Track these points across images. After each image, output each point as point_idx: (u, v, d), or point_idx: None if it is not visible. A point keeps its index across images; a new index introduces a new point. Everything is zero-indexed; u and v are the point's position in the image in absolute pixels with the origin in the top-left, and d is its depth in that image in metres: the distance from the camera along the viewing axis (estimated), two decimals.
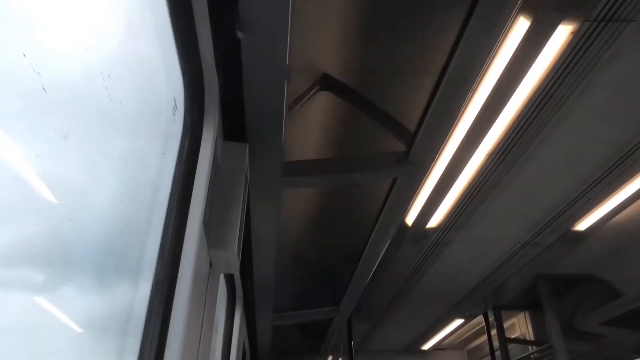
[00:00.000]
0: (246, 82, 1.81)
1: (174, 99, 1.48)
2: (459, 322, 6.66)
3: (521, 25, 2.10)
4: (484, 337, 6.96)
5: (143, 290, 1.33)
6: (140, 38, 1.28)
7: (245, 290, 3.82)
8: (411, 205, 3.52)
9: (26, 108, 0.73)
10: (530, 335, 6.25)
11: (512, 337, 6.44)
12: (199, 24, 1.47)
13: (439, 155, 2.81)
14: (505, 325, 6.39)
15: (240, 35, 1.57)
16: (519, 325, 6.51)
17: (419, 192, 3.31)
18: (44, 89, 0.72)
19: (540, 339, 5.92)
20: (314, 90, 2.53)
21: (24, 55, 0.67)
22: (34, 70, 0.70)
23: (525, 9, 2.06)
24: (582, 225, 4.05)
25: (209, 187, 1.56)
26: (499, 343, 6.18)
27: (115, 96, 1.02)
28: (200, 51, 1.54)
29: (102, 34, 1.04)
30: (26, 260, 0.85)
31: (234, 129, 2.04)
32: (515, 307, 6.35)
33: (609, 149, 3.18)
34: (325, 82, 2.57)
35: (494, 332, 6.43)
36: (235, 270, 1.90)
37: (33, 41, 0.76)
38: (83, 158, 0.98)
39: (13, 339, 0.84)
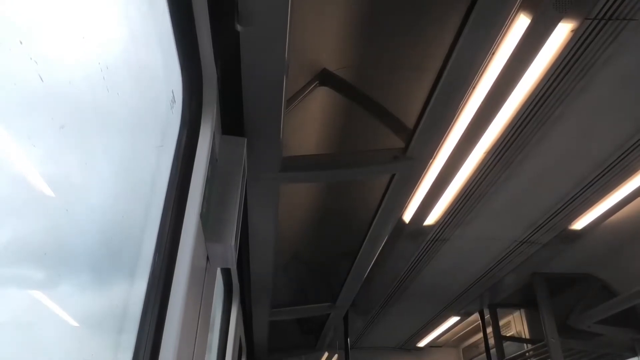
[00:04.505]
0: (245, 76, 1.81)
1: (172, 92, 1.48)
2: (454, 319, 6.68)
3: (521, 23, 2.10)
4: (480, 335, 6.97)
5: (140, 284, 1.32)
6: (139, 29, 1.27)
7: (242, 285, 3.82)
8: (409, 202, 3.52)
9: (23, 96, 0.72)
10: (525, 334, 6.27)
11: (508, 335, 6.46)
12: (198, 17, 1.46)
13: (437, 152, 2.81)
14: (501, 323, 6.41)
15: (239, 28, 1.57)
16: (515, 323, 6.53)
17: (416, 189, 3.31)
18: (41, 78, 0.71)
19: (536, 337, 5.94)
20: (312, 86, 2.52)
21: (21, 43, 0.66)
22: (31, 59, 0.69)
23: (525, 6, 2.06)
24: (579, 224, 4.06)
25: (207, 181, 1.55)
26: (495, 341, 6.20)
27: (112, 87, 1.01)
28: (199, 44, 1.53)
29: (99, 25, 1.03)
30: (22, 253, 0.84)
31: (232, 122, 2.04)
32: (511, 305, 6.36)
33: (607, 148, 3.18)
34: (325, 78, 2.56)
35: (489, 330, 6.45)
36: (232, 265, 1.89)
37: (30, 30, 0.75)
38: (79, 149, 0.98)
39: (10, 335, 0.83)
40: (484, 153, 3.03)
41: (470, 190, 3.54)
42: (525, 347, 6.13)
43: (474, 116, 2.58)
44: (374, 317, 6.44)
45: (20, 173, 0.79)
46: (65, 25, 0.87)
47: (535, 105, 2.75)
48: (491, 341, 6.42)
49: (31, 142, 0.77)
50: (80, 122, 0.96)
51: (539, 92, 2.63)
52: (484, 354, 6.68)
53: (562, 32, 2.18)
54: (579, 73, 2.56)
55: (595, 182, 3.49)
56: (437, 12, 2.26)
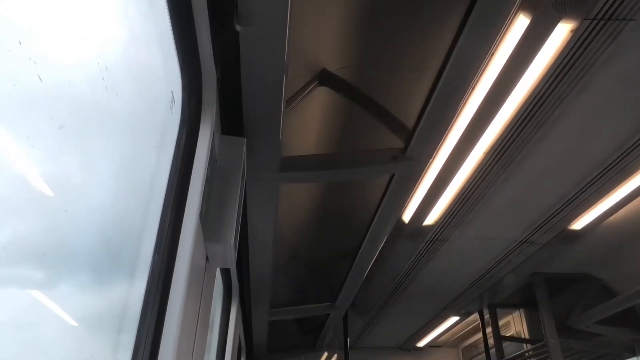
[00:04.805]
0: (244, 76, 1.81)
1: (172, 92, 1.48)
2: (454, 319, 6.67)
3: (521, 23, 2.10)
4: (479, 335, 6.97)
5: (139, 284, 1.32)
6: (138, 30, 1.27)
7: (242, 284, 3.82)
8: (408, 202, 3.52)
9: (22, 97, 0.72)
10: (525, 334, 6.27)
11: (507, 335, 6.46)
12: (198, 17, 1.46)
13: (437, 152, 2.81)
14: (500, 323, 6.41)
15: (239, 28, 1.57)
16: (514, 324, 6.53)
17: (416, 189, 3.32)
18: (40, 78, 0.71)
19: (535, 337, 5.94)
20: (312, 86, 2.53)
21: (20, 44, 0.66)
22: (30, 59, 0.69)
23: (525, 7, 2.06)
24: (578, 224, 4.06)
25: (206, 180, 1.55)
26: (494, 341, 6.20)
27: (112, 87, 1.02)
28: (198, 44, 1.53)
29: (99, 25, 1.03)
30: (21, 253, 0.84)
31: (231, 122, 2.04)
32: (511, 305, 6.36)
33: (607, 148, 3.18)
34: (324, 78, 2.56)
35: (489, 330, 6.45)
36: (232, 265, 1.89)
37: (29, 31, 0.75)
38: (79, 149, 0.98)
39: (9, 334, 0.83)
40: (484, 153, 3.03)
41: (469, 191, 3.54)
42: (525, 347, 6.13)
43: (474, 116, 2.58)
44: (374, 317, 6.44)
45: (20, 173, 0.79)
46: (65, 26, 0.87)
47: (534, 106, 2.75)
48: (491, 341, 6.41)
49: (30, 143, 0.77)
50: (79, 122, 0.96)
51: (539, 93, 2.63)
52: (484, 354, 6.68)
53: (562, 32, 2.18)
54: (579, 73, 2.56)
55: (594, 182, 3.49)
56: (436, 12, 2.26)
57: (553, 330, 5.12)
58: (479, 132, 2.75)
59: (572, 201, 3.73)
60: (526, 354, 5.94)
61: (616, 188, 3.53)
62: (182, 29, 1.44)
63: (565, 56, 2.42)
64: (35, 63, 0.70)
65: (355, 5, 2.26)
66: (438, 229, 4.12)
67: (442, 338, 7.62)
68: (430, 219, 3.82)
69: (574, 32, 2.20)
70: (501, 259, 4.74)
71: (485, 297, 5.97)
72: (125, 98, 1.16)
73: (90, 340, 1.19)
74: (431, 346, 7.92)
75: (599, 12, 2.23)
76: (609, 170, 3.35)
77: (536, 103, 2.72)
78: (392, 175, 2.75)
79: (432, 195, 3.41)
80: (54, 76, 0.80)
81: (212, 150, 1.66)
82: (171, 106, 1.49)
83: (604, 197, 3.65)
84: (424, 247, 4.49)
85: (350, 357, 6.10)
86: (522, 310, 6.39)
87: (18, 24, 0.70)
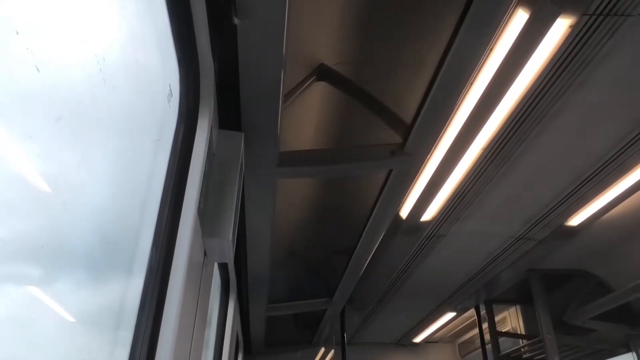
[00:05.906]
0: (242, 70, 1.80)
1: (169, 85, 1.47)
2: (450, 315, 6.70)
3: (519, 18, 2.09)
4: (475, 331, 7.00)
5: (137, 279, 1.32)
6: (136, 22, 1.26)
7: (239, 280, 3.82)
8: (406, 198, 3.52)
9: (19, 87, 0.71)
10: (521, 329, 6.29)
11: (503, 330, 6.48)
12: (196, 10, 1.45)
13: (434, 148, 2.80)
14: (497, 318, 6.44)
15: (236, 21, 1.55)
16: (510, 319, 6.55)
17: (414, 185, 3.31)
18: (37, 69, 0.70)
19: (531, 333, 5.97)
20: (310, 80, 2.52)
21: (17, 33, 0.65)
22: (27, 49, 0.68)
23: (524, 2, 2.05)
24: (575, 220, 4.07)
25: (204, 175, 1.54)
26: (490, 336, 6.22)
27: (109, 80, 1.00)
28: (196, 37, 1.52)
29: (96, 17, 1.02)
30: (18, 249, 0.84)
31: (229, 117, 2.03)
32: (507, 301, 6.38)
33: (604, 144, 3.19)
34: (322, 73, 2.55)
35: (485, 325, 6.47)
36: (230, 260, 1.89)
37: (27, 22, 0.74)
38: (76, 142, 0.97)
39: (8, 332, 0.82)
40: (481, 149, 3.02)
41: (467, 187, 3.54)
42: (521, 343, 6.16)
43: (472, 112, 2.58)
44: (371, 313, 6.46)
45: (16, 167, 0.78)
46: (62, 17, 0.86)
47: (532, 102, 2.75)
48: (487, 337, 6.44)
49: (27, 135, 0.76)
50: (76, 115, 0.95)
51: (537, 88, 2.63)
52: (480, 350, 6.71)
53: (560, 27, 2.18)
54: (577, 69, 2.55)
55: (592, 178, 3.49)
56: (435, 7, 2.25)
57: (549, 326, 5.14)
58: (477, 128, 2.75)
59: (569, 197, 3.74)
60: (522, 349, 5.97)
61: (613, 184, 3.54)
62: (180, 22, 1.42)
63: (564, 52, 2.42)
64: (32, 53, 0.69)
65: (353, 0, 2.25)
66: (435, 225, 4.13)
67: (439, 334, 7.65)
68: (428, 214, 3.82)
69: (573, 27, 2.20)
70: (498, 255, 4.75)
71: (481, 293, 5.99)
72: (122, 91, 1.15)
73: (89, 337, 1.18)
74: (428, 342, 7.95)
75: (597, 7, 2.22)
76: (606, 166, 3.36)
77: (534, 99, 2.72)
78: (390, 171, 2.74)
79: (429, 191, 3.41)
80: (51, 68, 0.79)
81: (210, 145, 1.66)
82: (169, 100, 1.48)
83: (601, 193, 3.66)
84: (421, 243, 4.49)
85: (347, 353, 6.11)
86: (518, 306, 6.42)
87: (14, 15, 0.69)
